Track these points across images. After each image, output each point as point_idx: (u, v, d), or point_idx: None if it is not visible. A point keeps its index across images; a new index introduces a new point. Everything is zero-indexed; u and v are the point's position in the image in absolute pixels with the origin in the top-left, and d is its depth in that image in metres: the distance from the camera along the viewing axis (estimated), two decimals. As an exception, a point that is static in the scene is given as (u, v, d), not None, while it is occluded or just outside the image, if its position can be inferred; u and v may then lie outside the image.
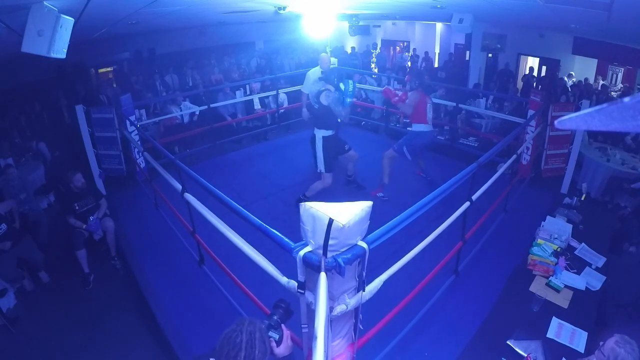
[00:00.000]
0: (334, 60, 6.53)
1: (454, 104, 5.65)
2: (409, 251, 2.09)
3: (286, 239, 1.62)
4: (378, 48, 11.29)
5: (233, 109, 6.68)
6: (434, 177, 4.60)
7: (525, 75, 8.18)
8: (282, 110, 6.60)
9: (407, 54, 10.67)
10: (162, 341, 2.67)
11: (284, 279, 1.71)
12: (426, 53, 10.16)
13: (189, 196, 2.74)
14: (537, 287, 2.73)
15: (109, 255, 3.68)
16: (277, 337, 1.34)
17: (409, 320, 2.48)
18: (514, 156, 3.64)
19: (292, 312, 1.41)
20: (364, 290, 1.60)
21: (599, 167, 4.54)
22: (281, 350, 1.34)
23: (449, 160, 5.28)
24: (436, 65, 10.05)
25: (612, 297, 2.69)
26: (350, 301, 1.56)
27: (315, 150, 3.85)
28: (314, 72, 4.71)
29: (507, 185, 3.82)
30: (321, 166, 3.85)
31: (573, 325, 2.40)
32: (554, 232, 3.15)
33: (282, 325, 1.40)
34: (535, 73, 8.29)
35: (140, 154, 4.47)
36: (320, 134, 3.78)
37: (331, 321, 1.54)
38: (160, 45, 8.82)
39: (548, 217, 3.40)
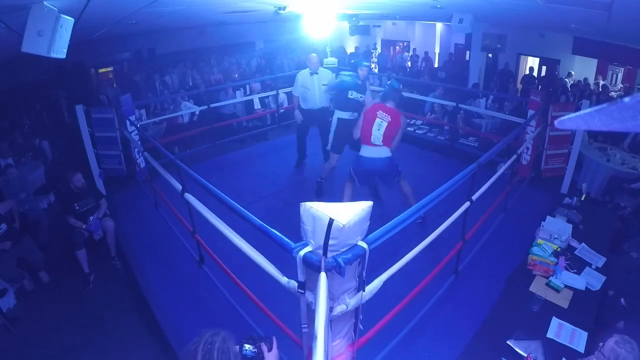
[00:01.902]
0: (334, 60, 6.53)
1: (454, 104, 5.65)
2: (409, 251, 2.09)
3: (286, 239, 1.62)
4: (378, 48, 11.29)
5: (233, 109, 6.68)
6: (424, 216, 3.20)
7: (525, 75, 8.18)
8: (282, 110, 6.60)
9: (407, 54, 10.68)
10: (162, 341, 2.67)
11: (284, 279, 1.71)
12: (426, 53, 10.17)
13: (189, 196, 2.74)
14: (537, 287, 2.73)
15: (109, 255, 3.67)
16: (251, 348, 1.30)
17: (409, 320, 2.48)
18: (514, 156, 3.64)
19: (259, 338, 1.36)
20: (364, 290, 1.60)
21: (599, 167, 4.53)
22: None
23: (449, 160, 5.28)
24: (436, 65, 10.05)
25: (613, 298, 2.69)
26: (351, 301, 1.56)
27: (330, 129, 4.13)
28: (303, 74, 4.68)
29: (507, 185, 3.82)
30: (329, 145, 4.10)
31: (573, 325, 2.40)
32: (554, 232, 3.15)
33: (264, 347, 1.33)
34: (535, 73, 8.29)
35: (140, 154, 4.47)
36: (336, 114, 4.07)
37: (331, 321, 1.54)
38: (160, 45, 8.82)
39: (548, 217, 3.40)
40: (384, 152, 3.48)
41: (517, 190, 4.17)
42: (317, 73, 4.63)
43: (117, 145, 4.64)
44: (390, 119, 3.44)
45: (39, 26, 2.33)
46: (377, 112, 3.46)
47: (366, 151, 3.49)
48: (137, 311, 3.05)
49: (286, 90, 6.70)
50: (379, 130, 3.43)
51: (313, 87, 4.64)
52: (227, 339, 1.16)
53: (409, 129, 6.31)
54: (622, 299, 2.53)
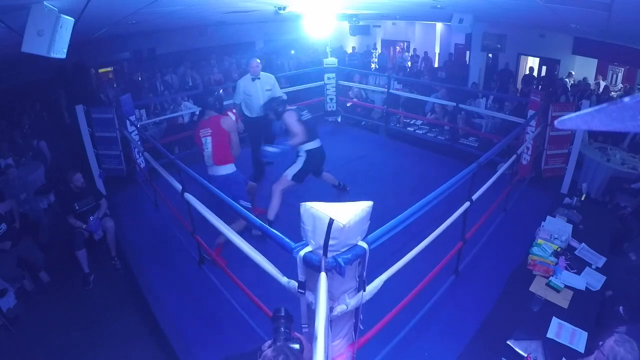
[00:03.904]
0: (334, 60, 6.54)
1: (454, 104, 5.65)
2: (409, 251, 2.09)
3: (286, 239, 1.62)
4: (378, 48, 11.29)
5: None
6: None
7: (525, 75, 8.19)
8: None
9: (407, 54, 10.68)
10: (162, 341, 2.67)
11: (284, 279, 1.72)
12: (426, 53, 10.17)
13: (189, 196, 2.74)
14: (537, 287, 2.73)
15: (109, 255, 3.67)
16: (298, 346, 1.33)
17: (409, 320, 2.49)
18: (514, 156, 3.65)
19: (292, 315, 1.40)
20: (364, 290, 1.60)
21: (599, 167, 4.53)
22: (307, 356, 1.33)
23: (449, 160, 5.28)
24: (436, 65, 10.05)
25: (611, 299, 2.69)
26: (351, 301, 1.56)
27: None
28: (244, 80, 4.43)
29: (507, 185, 3.82)
30: (292, 176, 3.59)
31: (573, 325, 2.39)
32: (554, 232, 3.14)
33: (296, 333, 1.39)
34: (535, 73, 8.29)
35: (140, 154, 4.47)
36: (304, 147, 3.59)
37: (331, 321, 1.54)
38: (160, 45, 8.82)
39: (548, 217, 3.40)
40: (221, 170, 3.18)
41: (517, 190, 4.17)
42: (259, 78, 4.39)
43: (117, 145, 4.64)
44: (211, 131, 3.09)
45: (39, 26, 2.32)
46: (200, 132, 3.12)
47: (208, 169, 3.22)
48: (137, 311, 3.05)
49: (286, 90, 6.70)
50: (207, 149, 3.11)
51: (256, 93, 4.38)
52: (292, 348, 1.21)
53: (408, 128, 6.34)
54: (620, 307, 2.53)
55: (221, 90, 3.77)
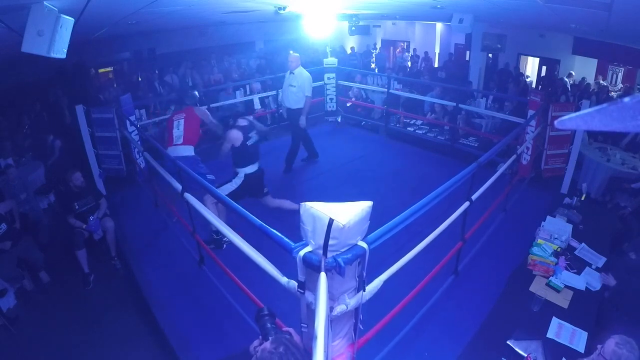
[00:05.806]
0: (334, 60, 6.54)
1: (454, 104, 5.65)
2: (409, 251, 2.09)
3: (286, 239, 1.62)
4: (378, 48, 11.29)
5: (233, 109, 6.67)
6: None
7: (522, 75, 8.19)
8: (282, 110, 6.60)
9: (407, 54, 10.68)
10: (162, 341, 2.67)
11: (284, 279, 1.72)
12: (426, 53, 10.16)
13: (189, 196, 2.74)
14: (537, 287, 2.73)
15: (109, 255, 3.67)
16: (288, 337, 1.35)
17: (409, 320, 2.49)
18: (514, 156, 3.65)
19: (274, 312, 1.45)
20: (364, 290, 1.60)
21: (599, 167, 4.53)
22: (300, 344, 1.36)
23: (449, 160, 5.28)
24: (436, 65, 10.05)
25: (612, 299, 2.69)
26: (351, 301, 1.56)
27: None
28: (287, 73, 4.83)
29: (507, 185, 3.82)
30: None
31: (573, 325, 2.40)
32: (554, 232, 3.14)
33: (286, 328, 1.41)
34: (528, 72, 8.31)
35: (140, 154, 4.47)
36: (242, 172, 3.38)
37: (331, 321, 1.54)
38: (160, 45, 8.82)
39: (548, 217, 3.40)
40: (184, 151, 3.60)
41: (517, 190, 4.17)
42: (292, 73, 4.67)
43: (117, 145, 4.64)
44: (185, 115, 3.67)
45: (39, 26, 2.33)
46: (174, 117, 3.72)
47: (170, 151, 3.58)
48: (137, 311, 3.05)
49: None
50: (179, 129, 3.63)
51: (286, 86, 4.79)
52: (293, 341, 1.24)
53: (408, 128, 6.34)
54: (620, 308, 2.52)
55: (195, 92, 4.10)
